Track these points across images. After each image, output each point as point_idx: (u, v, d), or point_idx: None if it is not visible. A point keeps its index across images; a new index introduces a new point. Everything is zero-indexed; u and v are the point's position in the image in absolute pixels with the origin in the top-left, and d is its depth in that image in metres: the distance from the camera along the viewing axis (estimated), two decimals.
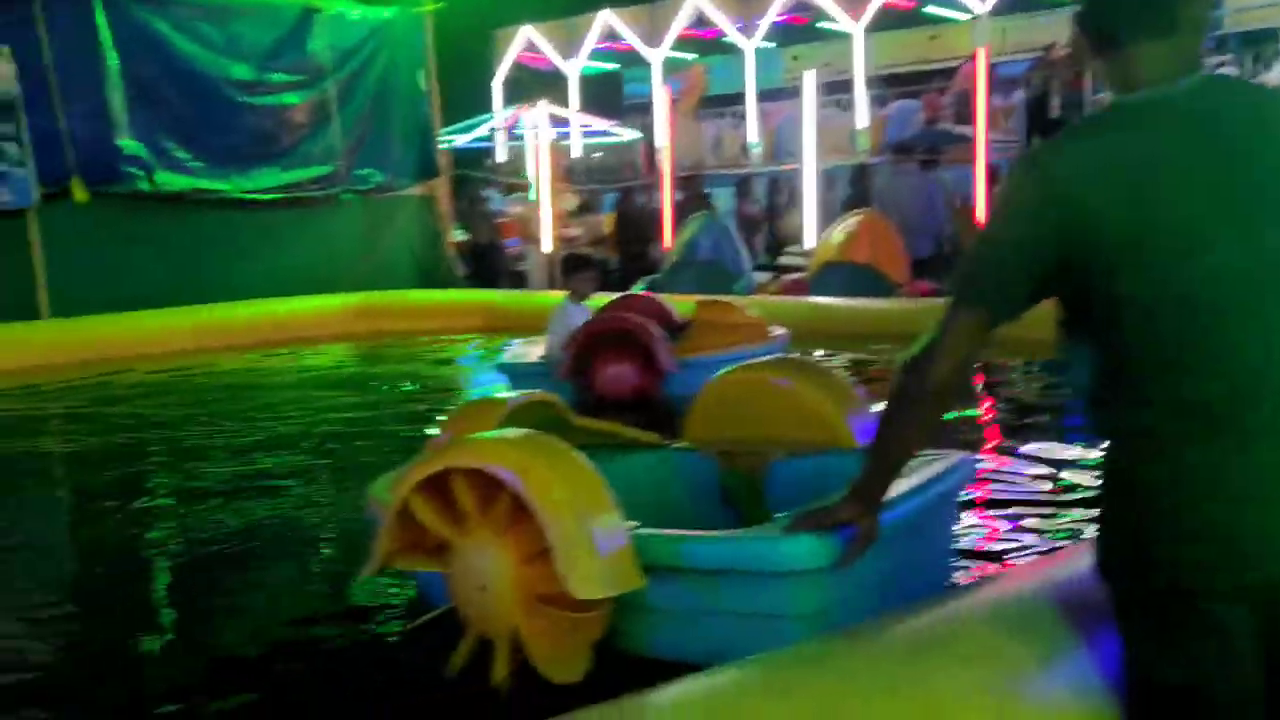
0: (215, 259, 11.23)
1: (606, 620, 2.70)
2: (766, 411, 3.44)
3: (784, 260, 12.07)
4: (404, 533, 2.82)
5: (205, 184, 11.27)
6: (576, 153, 16.18)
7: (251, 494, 5.05)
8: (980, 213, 10.84)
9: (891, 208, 10.77)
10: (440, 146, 13.54)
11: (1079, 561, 2.11)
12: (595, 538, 2.60)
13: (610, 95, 18.23)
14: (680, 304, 7.18)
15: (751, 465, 3.48)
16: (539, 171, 12.64)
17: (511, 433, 2.87)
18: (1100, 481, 1.91)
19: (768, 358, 4.38)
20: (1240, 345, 1.74)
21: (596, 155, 17.83)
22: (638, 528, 2.73)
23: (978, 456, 3.21)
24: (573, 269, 6.71)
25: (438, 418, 6.26)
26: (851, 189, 12.63)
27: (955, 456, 3.17)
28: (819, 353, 8.54)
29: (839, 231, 10.30)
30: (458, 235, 13.63)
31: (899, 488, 2.65)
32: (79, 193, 10.36)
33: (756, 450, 3.48)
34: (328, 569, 4.10)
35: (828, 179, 13.46)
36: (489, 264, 13.21)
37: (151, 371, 9.17)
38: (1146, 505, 1.80)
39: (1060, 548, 3.47)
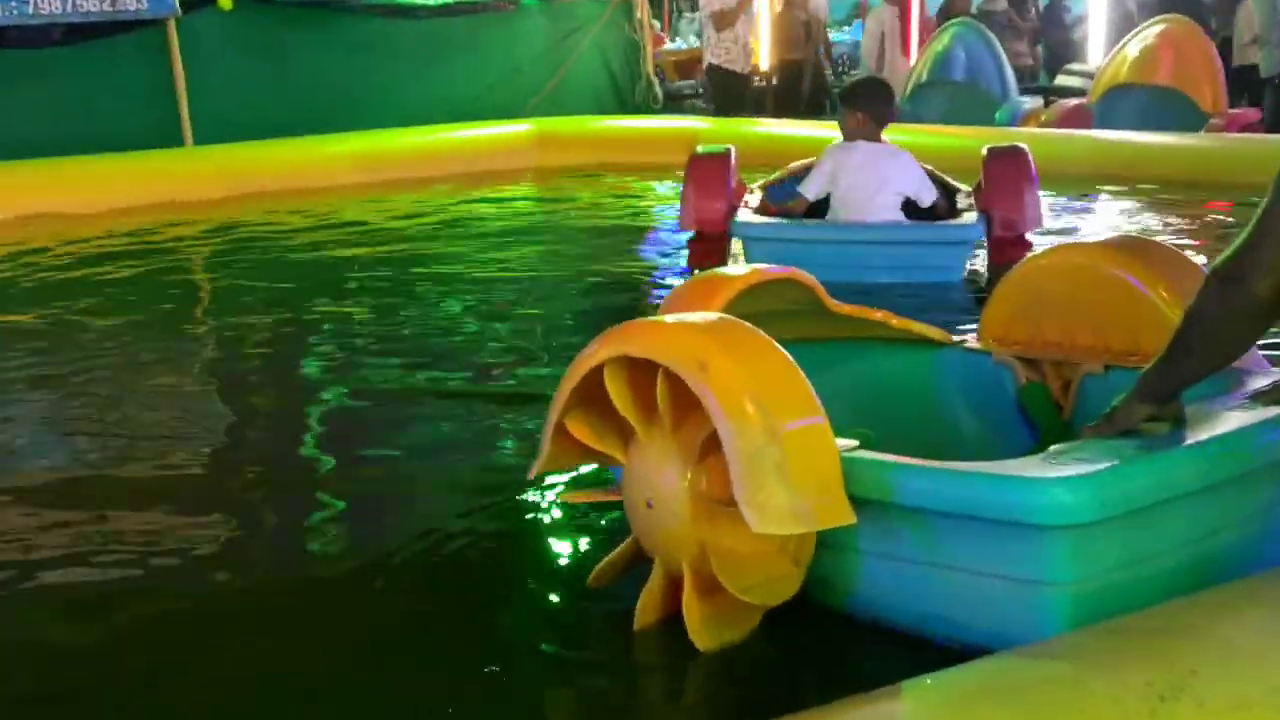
0: (376, 77, 10.78)
1: (808, 552, 2.46)
2: (1092, 308, 3.10)
3: (1061, 81, 11.22)
4: (570, 443, 2.66)
5: None
6: None
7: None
8: None
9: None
10: None
11: None
12: (789, 458, 2.34)
13: None
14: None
15: (1058, 378, 3.18)
16: None
17: (695, 317, 2.66)
18: None
19: (1108, 237, 3.68)
20: None
21: None
22: (856, 448, 2.47)
23: None
24: (870, 98, 5.83)
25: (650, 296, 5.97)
26: None
27: None
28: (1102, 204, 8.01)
29: (1135, 44, 9.64)
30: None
31: (1242, 415, 2.41)
32: None
33: (1066, 359, 3.17)
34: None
35: None
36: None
37: (295, 212, 8.84)
38: None
39: None
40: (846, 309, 3.28)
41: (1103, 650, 1.92)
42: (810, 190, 5.73)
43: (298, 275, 6.73)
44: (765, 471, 2.32)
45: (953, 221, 5.55)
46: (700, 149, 6.17)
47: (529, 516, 3.17)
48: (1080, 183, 8.21)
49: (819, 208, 5.76)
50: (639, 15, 12.38)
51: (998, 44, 10.26)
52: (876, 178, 5.59)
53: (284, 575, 3.01)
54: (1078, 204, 7.93)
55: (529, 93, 11.56)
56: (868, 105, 5.72)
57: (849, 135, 5.72)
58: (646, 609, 2.51)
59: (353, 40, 10.69)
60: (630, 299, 6.01)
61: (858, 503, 2.39)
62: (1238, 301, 2.03)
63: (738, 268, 3.24)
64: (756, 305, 3.00)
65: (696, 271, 4.74)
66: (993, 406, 3.25)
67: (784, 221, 5.72)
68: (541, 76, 11.75)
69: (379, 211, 8.89)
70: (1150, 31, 9.59)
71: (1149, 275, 3.01)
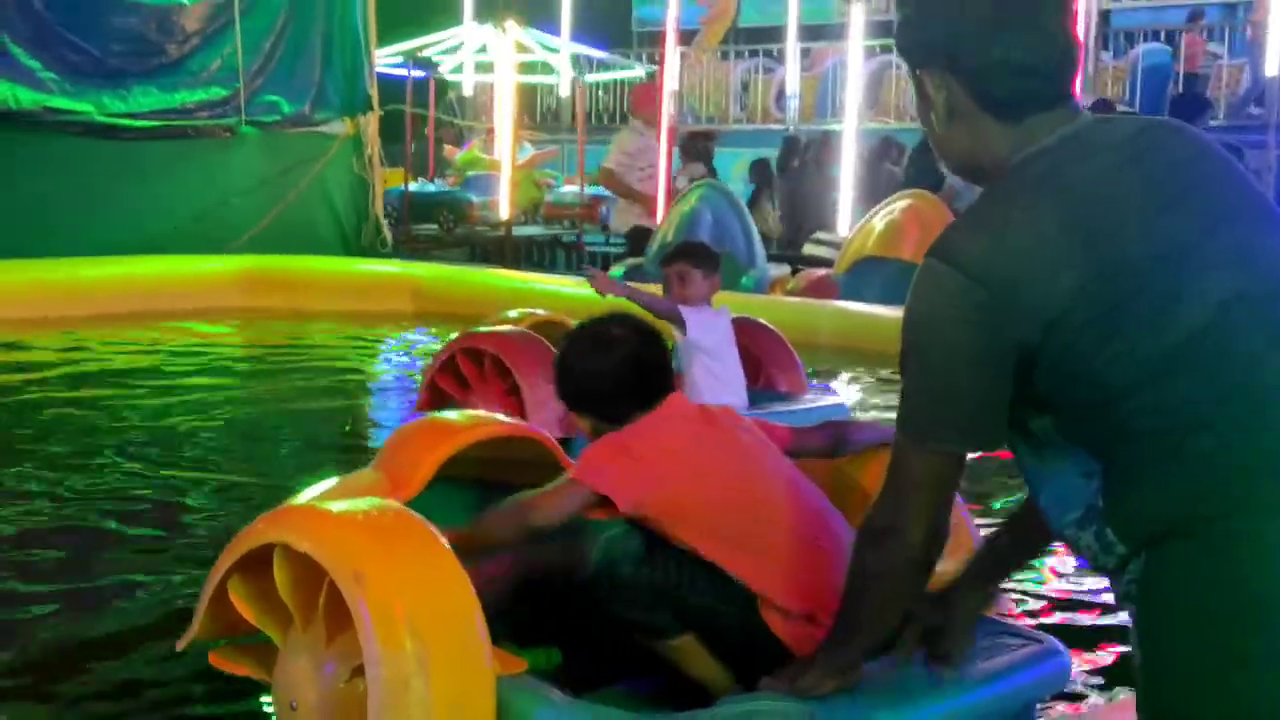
0: (71, 202, 10.63)
1: None
2: None
3: (810, 250, 11.56)
4: (227, 614, 2.64)
5: (61, 103, 10.69)
6: (565, 90, 15.69)
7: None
8: None
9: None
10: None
11: None
12: (435, 696, 2.34)
13: (616, 19, 17.92)
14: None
15: None
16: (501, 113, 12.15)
17: (361, 507, 2.59)
18: (1130, 617, 1.82)
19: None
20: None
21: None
22: (524, 671, 2.52)
23: (1062, 651, 2.80)
24: (711, 255, 5.35)
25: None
26: (919, 162, 11.97)
27: (1033, 648, 2.77)
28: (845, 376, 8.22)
29: (880, 218, 10.04)
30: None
31: (927, 690, 2.49)
32: None
33: None
34: None
35: (883, 147, 13.08)
36: None
37: None
38: (1204, 629, 1.70)
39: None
40: None
41: None
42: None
43: None
44: (407, 706, 2.32)
45: (821, 400, 5.65)
46: (489, 328, 5.47)
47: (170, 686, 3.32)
48: (823, 355, 8.43)
49: None
50: (369, 152, 12.49)
51: (745, 208, 10.56)
52: (737, 352, 5.30)
53: None
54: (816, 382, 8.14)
55: (240, 229, 11.49)
56: (710, 262, 5.26)
57: (697, 299, 5.17)
58: None
59: (37, 160, 10.51)
60: (330, 458, 5.97)
61: None
62: (897, 554, 2.01)
63: (465, 415, 3.23)
64: (485, 451, 3.05)
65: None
66: None
67: None
68: (256, 212, 11.70)
69: (39, 351, 8.63)
70: (896, 206, 9.95)
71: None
